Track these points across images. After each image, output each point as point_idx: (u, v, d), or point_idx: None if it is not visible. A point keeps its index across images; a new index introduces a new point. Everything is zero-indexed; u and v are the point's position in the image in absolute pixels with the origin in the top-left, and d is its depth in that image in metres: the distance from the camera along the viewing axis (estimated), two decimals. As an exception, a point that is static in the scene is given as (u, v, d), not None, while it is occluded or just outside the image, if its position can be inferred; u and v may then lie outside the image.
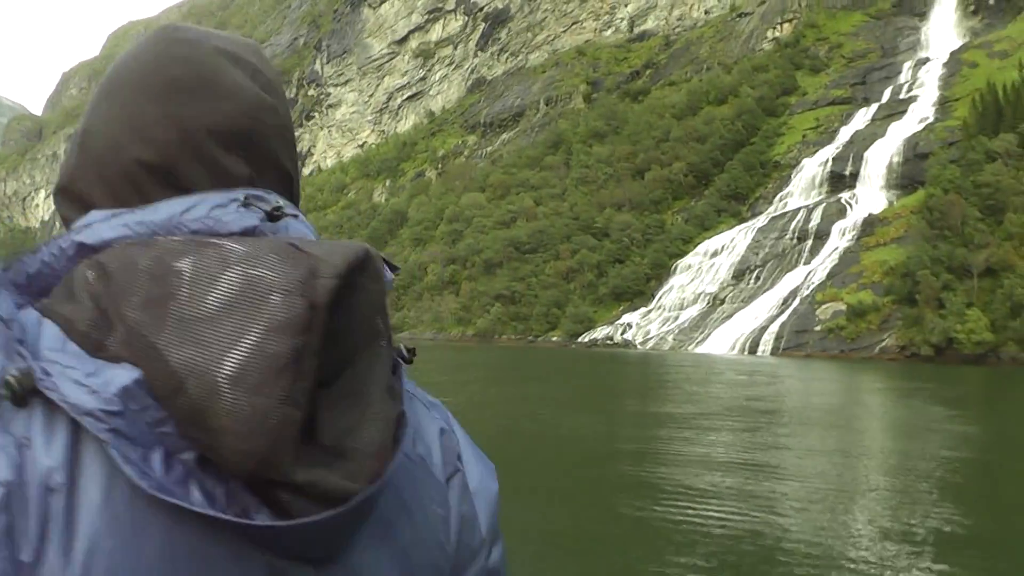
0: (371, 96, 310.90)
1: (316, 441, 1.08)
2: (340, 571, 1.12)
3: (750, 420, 32.34)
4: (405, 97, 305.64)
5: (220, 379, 1.01)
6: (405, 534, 1.19)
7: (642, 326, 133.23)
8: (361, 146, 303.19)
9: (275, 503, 1.06)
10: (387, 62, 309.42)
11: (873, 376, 68.41)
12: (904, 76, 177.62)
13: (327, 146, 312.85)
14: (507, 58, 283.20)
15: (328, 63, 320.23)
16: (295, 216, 1.27)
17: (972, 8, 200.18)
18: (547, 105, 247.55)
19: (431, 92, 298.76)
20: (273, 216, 1.23)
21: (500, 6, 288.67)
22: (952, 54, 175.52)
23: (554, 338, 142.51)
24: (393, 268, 1.28)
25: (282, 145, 1.35)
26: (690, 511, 15.67)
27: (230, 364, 1.02)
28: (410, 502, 1.22)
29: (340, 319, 1.09)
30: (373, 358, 1.16)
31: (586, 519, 15.93)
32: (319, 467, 1.06)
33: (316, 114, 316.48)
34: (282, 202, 1.27)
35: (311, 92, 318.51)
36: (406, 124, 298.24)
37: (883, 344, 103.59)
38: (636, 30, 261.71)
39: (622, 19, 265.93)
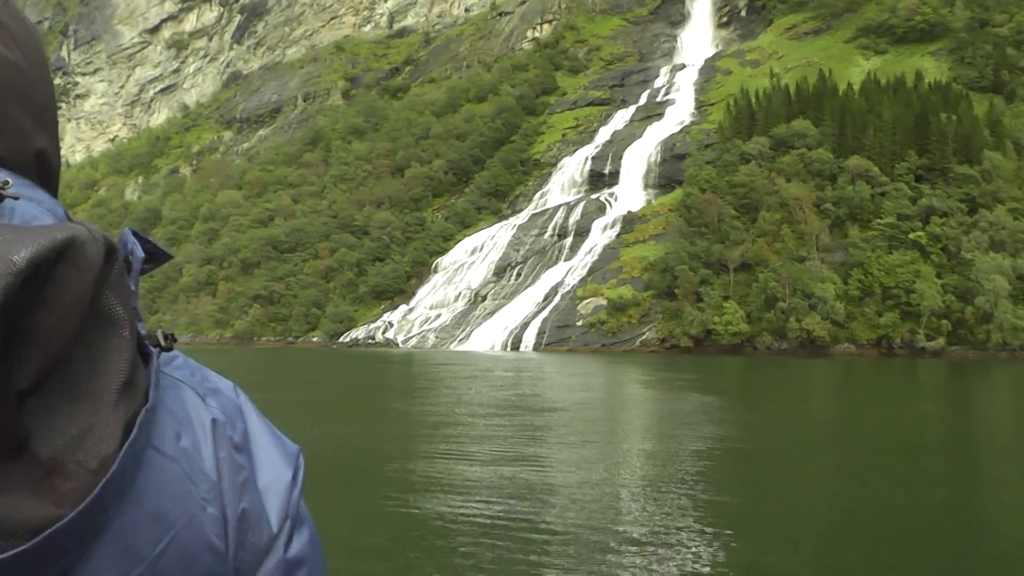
0: (122, 87, 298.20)
1: (31, 455, 0.96)
2: None
3: (520, 421, 30.89)
4: (158, 89, 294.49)
5: None
6: (157, 545, 1.05)
7: (403, 325, 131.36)
8: (112, 140, 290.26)
9: None
10: (138, 51, 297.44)
11: (638, 369, 68.48)
12: (661, 80, 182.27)
13: (75, 139, 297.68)
14: (264, 52, 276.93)
15: (75, 50, 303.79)
16: (17, 197, 1.12)
17: (725, 19, 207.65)
18: (305, 101, 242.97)
19: (185, 85, 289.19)
20: None
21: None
22: (707, 61, 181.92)
23: (315, 338, 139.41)
24: (163, 254, 1.22)
25: (27, 110, 1.21)
26: (462, 544, 13.87)
27: None
28: (166, 507, 1.08)
29: (37, 317, 0.96)
30: (102, 352, 1.03)
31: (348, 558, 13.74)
32: (11, 494, 0.93)
33: (63, 105, 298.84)
34: (8, 178, 1.14)
35: (57, 81, 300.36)
36: (159, 118, 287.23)
37: (644, 337, 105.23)
38: (396, 26, 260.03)
39: (382, 15, 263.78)
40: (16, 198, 1.11)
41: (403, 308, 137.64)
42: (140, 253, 1.16)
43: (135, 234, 1.19)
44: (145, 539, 1.03)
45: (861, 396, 48.24)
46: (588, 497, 16.98)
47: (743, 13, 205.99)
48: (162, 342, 1.20)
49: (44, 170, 1.18)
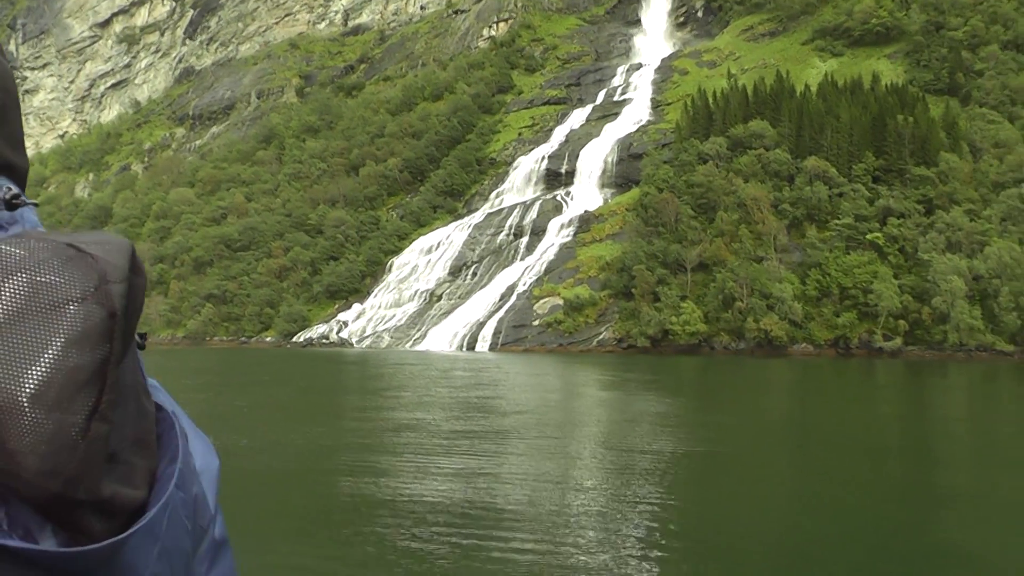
0: (72, 82, 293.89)
1: None
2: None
3: (484, 426, 30.15)
4: (109, 85, 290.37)
5: (22, 397, 0.95)
6: (163, 527, 1.11)
7: (358, 325, 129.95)
8: (62, 136, 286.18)
9: (70, 523, 0.99)
10: (89, 46, 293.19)
11: (597, 370, 67.69)
12: (618, 79, 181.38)
13: (24, 135, 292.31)
14: (217, 48, 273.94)
15: (24, 44, 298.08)
16: (38, 203, 1.14)
17: (681, 20, 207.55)
18: (259, 98, 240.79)
19: (136, 80, 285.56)
20: (11, 205, 1.17)
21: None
22: (663, 61, 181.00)
23: (268, 338, 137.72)
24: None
25: (19, 117, 1.28)
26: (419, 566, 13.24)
27: (32, 381, 0.96)
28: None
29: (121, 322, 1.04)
30: (132, 352, 1.10)
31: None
32: (113, 478, 1.02)
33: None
34: (14, 188, 1.21)
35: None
36: (110, 114, 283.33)
37: (601, 337, 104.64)
38: (350, 24, 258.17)
39: (336, 12, 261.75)
40: (36, 204, 1.16)
41: (357, 308, 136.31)
42: None
43: None
44: (156, 520, 1.09)
45: (820, 397, 48.30)
46: (555, 513, 16.33)
47: (700, 14, 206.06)
48: (140, 341, 1.23)
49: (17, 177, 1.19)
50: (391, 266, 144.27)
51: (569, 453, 23.86)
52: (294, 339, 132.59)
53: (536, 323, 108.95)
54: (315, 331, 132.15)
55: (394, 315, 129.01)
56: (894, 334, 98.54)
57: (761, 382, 58.30)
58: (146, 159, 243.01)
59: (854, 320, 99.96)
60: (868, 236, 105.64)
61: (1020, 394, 52.77)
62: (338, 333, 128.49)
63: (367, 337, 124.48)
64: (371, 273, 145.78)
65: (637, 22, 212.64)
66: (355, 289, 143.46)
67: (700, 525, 15.87)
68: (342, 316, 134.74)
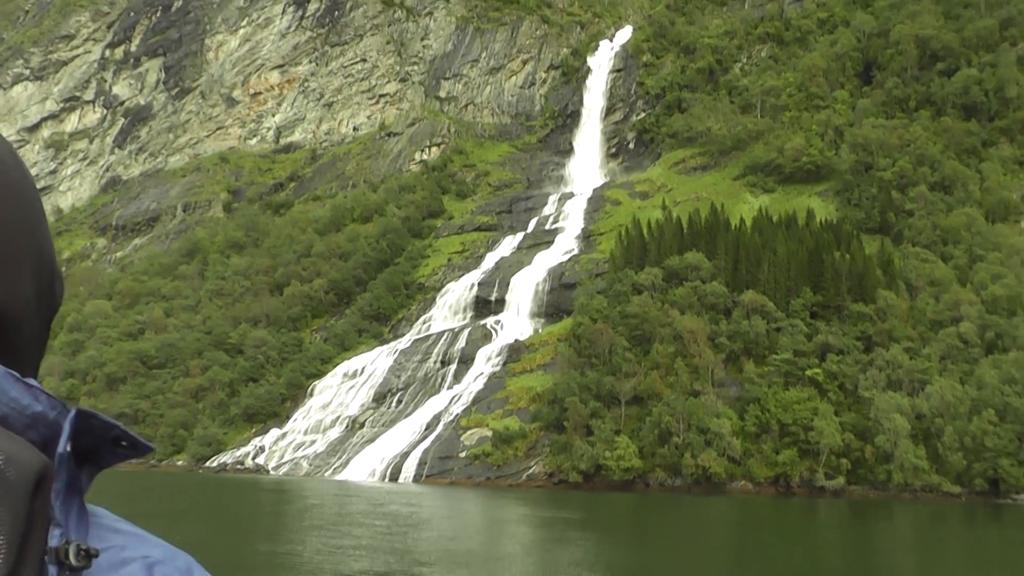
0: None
1: None
2: None
3: None
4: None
5: None
6: None
7: (275, 450, 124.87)
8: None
9: None
10: (16, 150, 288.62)
11: (534, 508, 64.19)
12: (549, 208, 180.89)
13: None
14: (146, 158, 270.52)
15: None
16: None
17: (613, 151, 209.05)
18: (185, 211, 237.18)
19: (61, 188, 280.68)
20: None
21: (142, 103, 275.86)
22: (595, 191, 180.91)
23: (180, 462, 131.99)
24: (144, 446, 1.20)
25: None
26: None
27: None
28: None
29: None
30: None
31: None
32: None
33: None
34: None
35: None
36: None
37: (531, 471, 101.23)
38: (282, 141, 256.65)
39: (268, 129, 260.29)
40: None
41: (275, 432, 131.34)
42: (61, 449, 1.08)
43: (82, 414, 1.13)
44: None
45: (761, 546, 45.45)
46: None
47: (631, 145, 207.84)
48: (72, 560, 1.06)
49: None
50: (313, 390, 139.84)
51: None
52: (207, 463, 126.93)
53: (463, 455, 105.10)
54: (230, 456, 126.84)
55: (314, 441, 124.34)
56: (836, 473, 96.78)
57: (699, 523, 55.51)
58: (63, 269, 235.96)
59: (795, 457, 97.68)
60: (807, 372, 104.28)
61: (969, 540, 50.50)
62: (254, 459, 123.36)
63: (284, 463, 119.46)
64: (292, 396, 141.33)
65: (569, 152, 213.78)
66: (274, 413, 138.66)
67: None
68: (259, 441, 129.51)
